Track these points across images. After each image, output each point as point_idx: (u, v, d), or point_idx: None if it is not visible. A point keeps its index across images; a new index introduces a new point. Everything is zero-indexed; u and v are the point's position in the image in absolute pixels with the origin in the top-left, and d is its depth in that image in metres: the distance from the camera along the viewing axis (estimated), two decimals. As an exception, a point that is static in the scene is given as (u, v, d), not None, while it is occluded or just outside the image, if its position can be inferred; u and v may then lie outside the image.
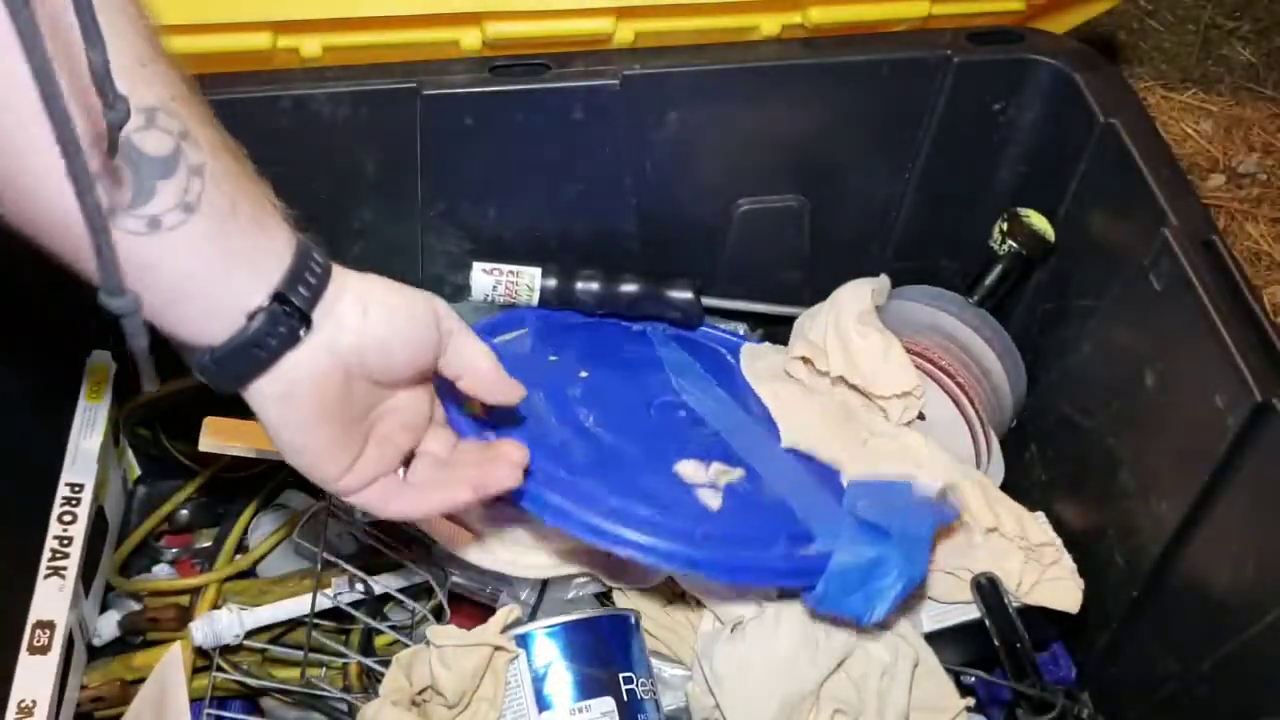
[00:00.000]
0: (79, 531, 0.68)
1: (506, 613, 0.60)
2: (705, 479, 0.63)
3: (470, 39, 0.70)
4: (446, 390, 0.55)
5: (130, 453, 0.83)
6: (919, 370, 0.72)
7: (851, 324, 0.72)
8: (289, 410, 0.47)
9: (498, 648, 0.58)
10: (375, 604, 0.71)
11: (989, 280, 0.77)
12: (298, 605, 0.68)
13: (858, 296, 0.73)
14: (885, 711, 0.61)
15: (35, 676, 0.62)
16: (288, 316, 0.44)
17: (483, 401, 0.54)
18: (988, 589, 0.67)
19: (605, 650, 0.60)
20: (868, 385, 0.71)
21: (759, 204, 0.78)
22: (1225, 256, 0.62)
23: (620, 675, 0.59)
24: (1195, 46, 1.37)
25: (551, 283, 0.74)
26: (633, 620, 0.63)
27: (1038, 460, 0.79)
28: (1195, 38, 1.37)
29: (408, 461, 0.53)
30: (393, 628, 0.70)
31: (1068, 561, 0.71)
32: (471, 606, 0.70)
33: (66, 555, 0.67)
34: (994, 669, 0.67)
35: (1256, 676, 0.60)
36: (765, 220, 0.78)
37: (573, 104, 0.70)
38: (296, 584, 0.71)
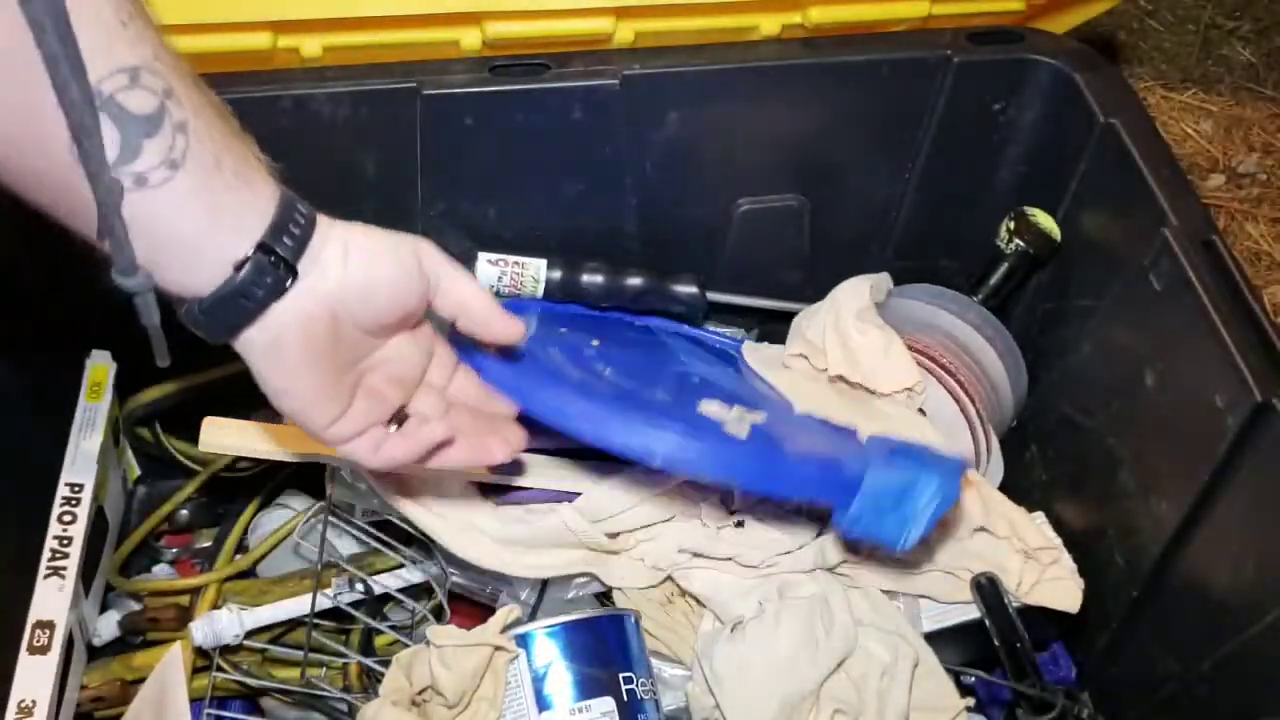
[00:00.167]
0: (79, 531, 0.68)
1: (506, 613, 0.60)
2: (731, 417, 0.62)
3: (470, 39, 0.70)
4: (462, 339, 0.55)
5: (130, 453, 0.83)
6: (920, 369, 0.72)
7: (850, 321, 0.72)
8: (277, 358, 0.47)
9: (498, 648, 0.58)
10: (375, 604, 0.71)
11: (994, 279, 0.77)
12: (298, 605, 0.68)
13: (856, 294, 0.73)
14: (885, 711, 0.61)
15: (35, 676, 0.62)
16: (273, 267, 0.45)
17: (482, 340, 0.54)
18: (988, 589, 0.67)
19: (605, 650, 0.60)
20: (868, 381, 0.71)
21: (759, 204, 0.78)
22: (1225, 256, 0.62)
23: (620, 675, 0.59)
24: (1195, 46, 1.37)
25: (557, 274, 0.74)
26: (633, 620, 0.63)
27: (1038, 460, 0.79)
28: (1195, 38, 1.37)
29: (401, 421, 0.53)
30: (393, 628, 0.70)
31: (1068, 561, 0.71)
32: (471, 606, 0.70)
33: (66, 555, 0.67)
34: (994, 669, 0.67)
35: (1256, 676, 0.60)
36: (765, 220, 0.78)
37: (573, 104, 0.70)
38: (296, 584, 0.71)
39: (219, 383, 0.78)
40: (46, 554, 0.67)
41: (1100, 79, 0.72)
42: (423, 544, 0.67)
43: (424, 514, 0.63)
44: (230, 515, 0.77)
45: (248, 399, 0.79)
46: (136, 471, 0.84)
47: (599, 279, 0.74)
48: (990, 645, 0.66)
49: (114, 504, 0.77)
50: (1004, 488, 0.75)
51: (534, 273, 0.73)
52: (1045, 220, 0.74)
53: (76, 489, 0.70)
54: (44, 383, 0.74)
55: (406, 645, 0.66)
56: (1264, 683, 0.59)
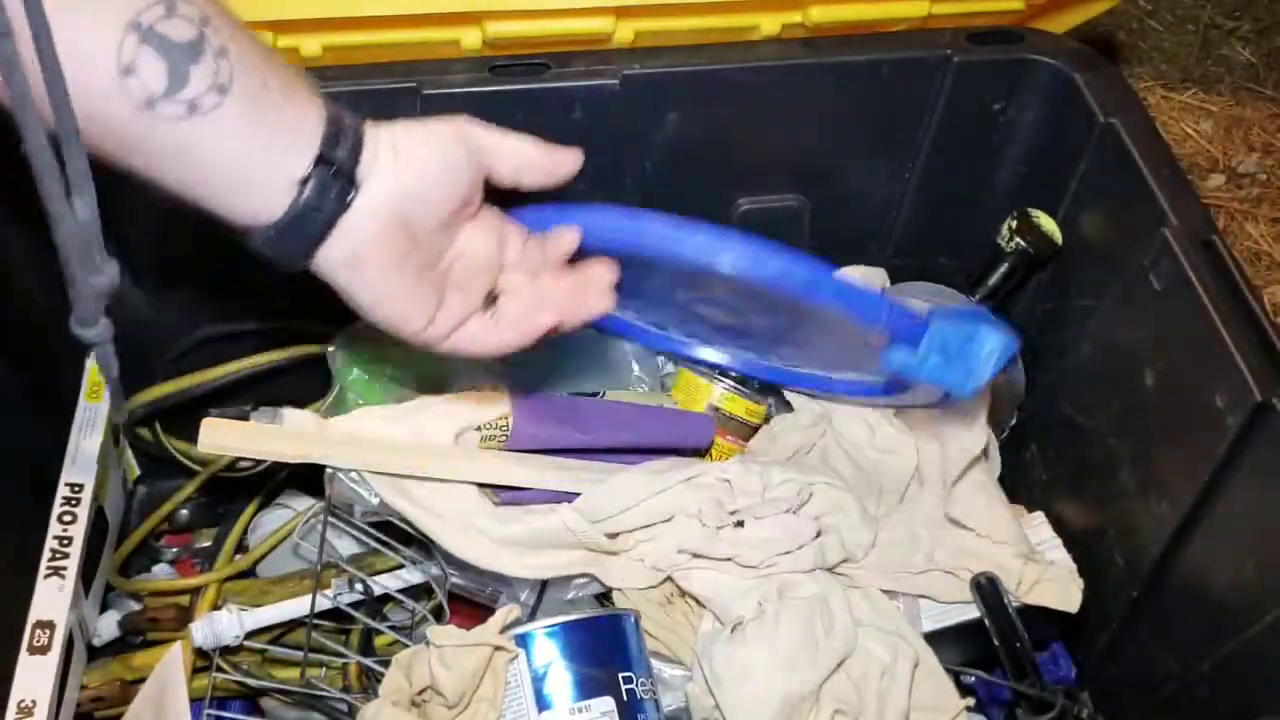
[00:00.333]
0: (79, 531, 0.68)
1: (506, 613, 0.60)
2: None
3: (470, 38, 0.70)
4: None
5: (130, 453, 0.83)
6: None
7: None
8: (359, 270, 0.48)
9: (497, 648, 0.58)
10: (375, 604, 0.71)
11: (994, 279, 0.77)
12: (298, 606, 0.68)
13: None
14: (885, 712, 0.61)
15: (35, 676, 0.62)
16: (334, 179, 0.46)
17: (547, 186, 0.55)
18: (988, 589, 0.67)
19: (605, 650, 0.60)
20: None
21: (759, 204, 0.78)
22: (1225, 256, 0.62)
23: (620, 675, 0.59)
24: (1195, 46, 1.37)
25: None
26: (632, 620, 0.63)
27: (1038, 460, 0.79)
28: (1195, 38, 1.37)
29: (493, 301, 0.54)
30: (392, 628, 0.70)
31: (1067, 561, 0.71)
32: (471, 607, 0.70)
33: (66, 555, 0.67)
34: (994, 669, 0.67)
35: (1256, 676, 0.60)
36: (765, 220, 0.78)
37: (573, 104, 0.70)
38: (296, 584, 0.71)
39: (219, 383, 0.78)
40: (46, 554, 0.67)
41: (1100, 79, 0.72)
42: (422, 544, 0.67)
43: (423, 514, 0.63)
44: (230, 515, 0.77)
45: (248, 399, 0.80)
46: (136, 471, 0.84)
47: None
48: (990, 645, 0.66)
49: (114, 504, 0.77)
50: (1004, 487, 0.75)
51: None
52: (1048, 222, 0.74)
53: (76, 489, 0.70)
54: (44, 383, 0.74)
55: (406, 645, 0.66)
56: (1264, 683, 0.59)
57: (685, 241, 0.54)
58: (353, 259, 0.48)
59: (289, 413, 0.64)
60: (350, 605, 0.68)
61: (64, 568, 0.66)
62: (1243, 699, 0.61)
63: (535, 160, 0.54)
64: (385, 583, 0.69)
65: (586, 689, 0.58)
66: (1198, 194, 0.66)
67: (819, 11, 0.73)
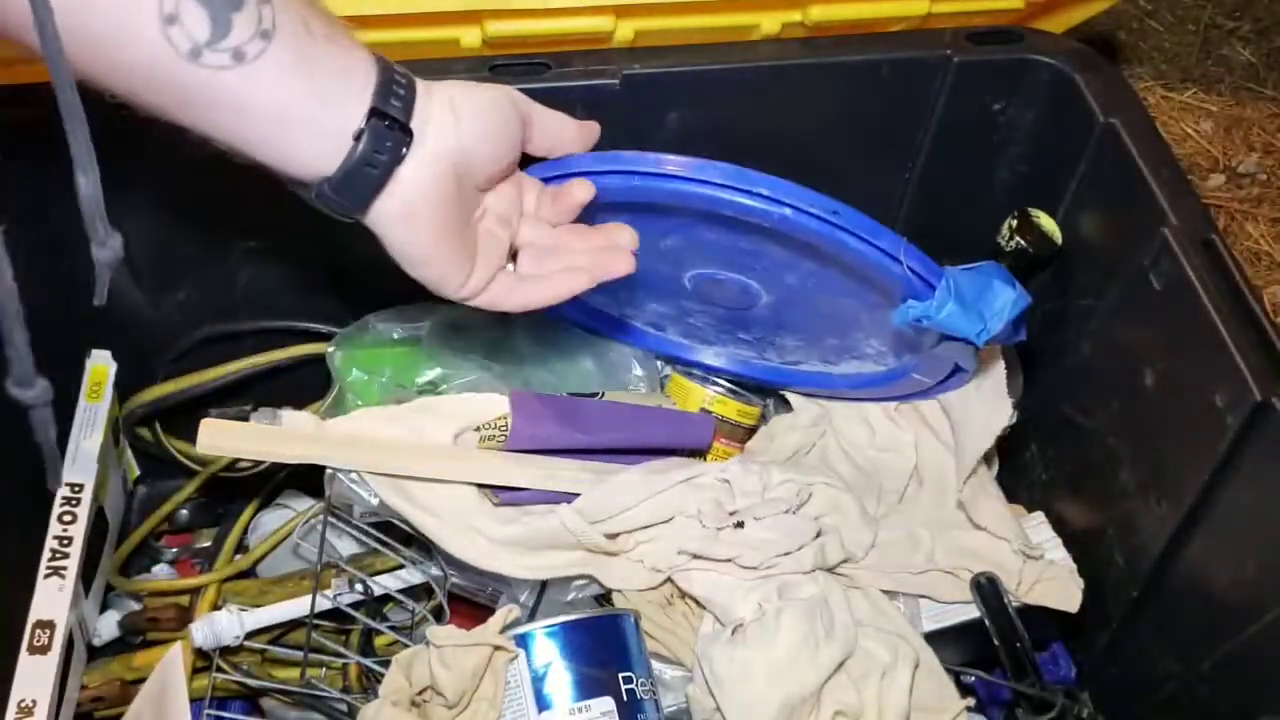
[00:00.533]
0: (79, 531, 0.68)
1: (506, 613, 0.60)
2: None
3: (470, 37, 0.70)
4: None
5: (130, 453, 0.83)
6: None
7: None
8: (412, 225, 0.49)
9: (497, 648, 0.58)
10: (375, 604, 0.71)
11: None
12: (297, 606, 0.68)
13: None
14: (885, 712, 0.61)
15: (35, 676, 0.62)
16: (390, 130, 0.46)
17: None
18: (988, 589, 0.67)
19: (605, 650, 0.60)
20: None
21: (759, 204, 0.78)
22: (1225, 256, 0.62)
23: (620, 675, 0.59)
24: (1195, 46, 1.37)
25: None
26: (632, 620, 0.63)
27: (1038, 460, 0.79)
28: (1195, 37, 1.37)
29: (513, 258, 0.55)
30: (392, 628, 0.70)
31: (1067, 561, 0.71)
32: (471, 607, 0.70)
33: (66, 555, 0.67)
34: (994, 669, 0.67)
35: (1256, 676, 0.60)
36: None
37: (573, 104, 0.69)
38: (296, 585, 0.71)
39: (219, 383, 0.78)
40: (46, 554, 0.67)
41: (1100, 79, 0.72)
42: (422, 544, 0.67)
43: (423, 515, 0.63)
44: (230, 515, 0.77)
45: (247, 399, 0.80)
46: (136, 471, 0.84)
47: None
48: (990, 645, 0.66)
49: (114, 504, 0.77)
50: (1004, 487, 0.75)
51: None
52: (1048, 222, 0.74)
53: (76, 489, 0.70)
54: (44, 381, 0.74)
55: (406, 645, 0.66)
56: (1264, 683, 0.59)
57: (705, 176, 0.55)
58: (407, 213, 0.48)
59: (288, 414, 0.64)
60: (350, 605, 0.68)
61: (64, 568, 0.66)
62: (1243, 699, 0.61)
63: (571, 135, 0.56)
64: (385, 583, 0.69)
65: (586, 689, 0.58)
66: (1198, 194, 0.66)
67: (819, 11, 0.73)
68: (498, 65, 0.69)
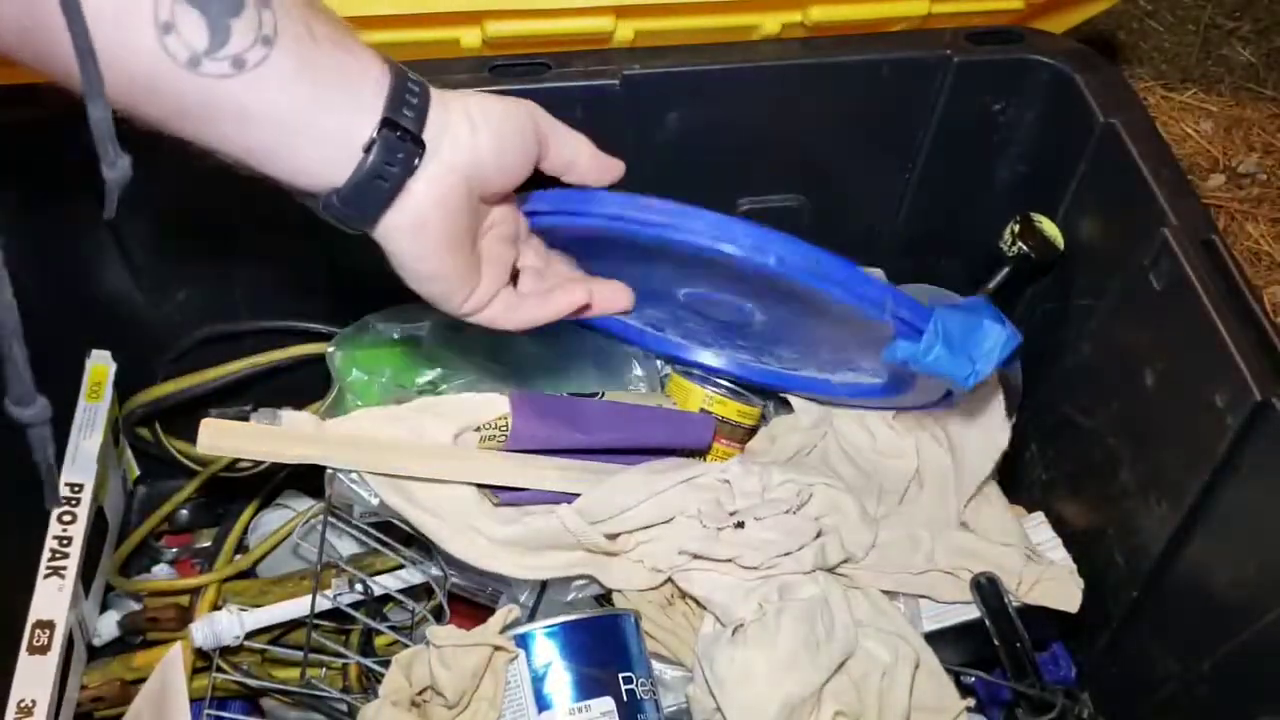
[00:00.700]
0: (79, 531, 0.68)
1: (506, 613, 0.60)
2: None
3: (470, 38, 0.70)
4: None
5: (130, 453, 0.83)
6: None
7: None
8: (423, 240, 0.47)
9: (497, 648, 0.58)
10: (375, 604, 0.71)
11: (994, 283, 0.77)
12: (297, 606, 0.68)
13: None
14: (886, 712, 0.61)
15: (35, 676, 0.62)
16: (401, 142, 0.45)
17: (589, 185, 0.55)
18: (988, 589, 0.67)
19: (605, 650, 0.60)
20: None
21: (759, 204, 0.78)
22: (1225, 256, 0.62)
23: (620, 675, 0.59)
24: (1195, 46, 1.37)
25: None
26: (632, 620, 0.63)
27: (1038, 460, 0.79)
28: (1195, 38, 1.37)
29: (514, 278, 0.54)
30: (392, 628, 0.70)
31: (1067, 561, 0.71)
32: (471, 607, 0.70)
33: (66, 555, 0.67)
34: (994, 669, 0.67)
35: (1256, 676, 0.60)
36: (765, 220, 0.77)
37: (573, 104, 0.70)
38: (296, 584, 0.71)
39: (219, 383, 0.78)
40: (46, 554, 0.67)
41: (1100, 79, 0.72)
42: (422, 545, 0.67)
43: (423, 515, 0.63)
44: (230, 515, 0.77)
45: (247, 399, 0.80)
46: (136, 471, 0.84)
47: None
48: (990, 645, 0.66)
49: (114, 504, 0.77)
50: (1004, 488, 0.75)
51: None
52: (1050, 227, 0.74)
53: (76, 489, 0.70)
54: (44, 383, 0.74)
55: (406, 646, 0.66)
56: (1264, 683, 0.59)
57: (688, 227, 0.54)
58: (417, 227, 0.47)
59: (288, 414, 0.64)
60: (350, 605, 0.68)
61: (64, 568, 0.66)
62: (1243, 699, 0.61)
63: (587, 161, 0.54)
64: (385, 583, 0.69)
65: (586, 689, 0.58)
66: (1198, 194, 0.66)
67: (819, 11, 0.73)
68: (498, 65, 0.69)
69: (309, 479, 0.70)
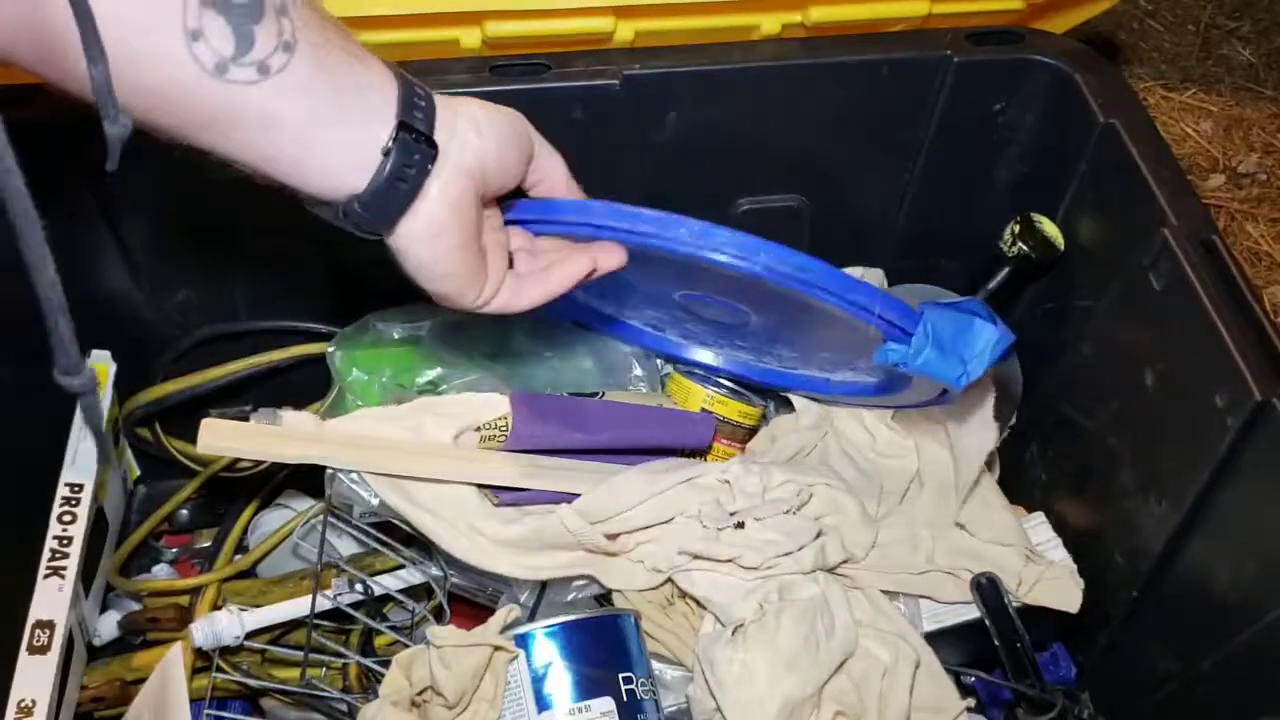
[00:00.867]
0: (79, 531, 0.68)
1: (506, 613, 0.60)
2: None
3: (470, 38, 0.70)
4: None
5: (130, 453, 0.83)
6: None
7: None
8: (439, 242, 0.48)
9: (497, 648, 0.58)
10: (375, 604, 0.71)
11: (994, 283, 0.77)
12: (298, 606, 0.68)
13: None
14: (886, 712, 0.61)
15: (35, 676, 0.62)
16: (416, 143, 0.46)
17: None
18: (988, 589, 0.67)
19: (605, 650, 0.60)
20: None
21: (759, 204, 0.78)
22: (1225, 256, 0.62)
23: (620, 675, 0.59)
24: (1195, 47, 1.37)
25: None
26: (633, 620, 0.63)
27: (1038, 460, 0.79)
28: (1195, 38, 1.37)
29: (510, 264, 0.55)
30: (393, 628, 0.70)
31: (1067, 561, 0.71)
32: (471, 607, 0.70)
33: (66, 555, 0.67)
34: (994, 669, 0.67)
35: (1256, 676, 0.60)
36: (765, 220, 0.78)
37: (573, 104, 0.70)
38: (296, 585, 0.71)
39: (219, 383, 0.78)
40: (46, 554, 0.67)
41: (1100, 79, 0.72)
42: (422, 545, 0.67)
43: (423, 515, 0.63)
44: (230, 515, 0.77)
45: (247, 399, 0.80)
46: (136, 471, 0.84)
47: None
48: (990, 645, 0.66)
49: (114, 504, 0.77)
50: (1004, 488, 0.75)
51: None
52: (1050, 227, 0.74)
53: (76, 489, 0.70)
54: (44, 383, 0.74)
55: (406, 645, 0.66)
56: (1264, 683, 0.59)
57: (674, 235, 0.54)
58: (434, 229, 0.48)
59: (289, 413, 0.64)
60: (350, 605, 0.68)
61: (63, 568, 0.66)
62: (1243, 699, 0.61)
63: (561, 179, 0.56)
64: (385, 583, 0.69)
65: (586, 689, 0.58)
66: (1198, 194, 0.66)
67: (819, 11, 0.73)
68: (498, 66, 0.69)
69: (309, 479, 0.70)
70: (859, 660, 0.62)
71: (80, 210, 0.69)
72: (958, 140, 0.76)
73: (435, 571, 0.68)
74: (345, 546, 0.71)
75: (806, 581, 0.64)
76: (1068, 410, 0.75)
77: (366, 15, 0.68)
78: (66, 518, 0.68)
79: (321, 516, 0.67)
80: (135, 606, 0.73)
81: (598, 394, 0.74)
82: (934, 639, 0.66)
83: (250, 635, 0.67)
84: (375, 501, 0.64)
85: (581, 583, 0.66)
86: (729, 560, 0.64)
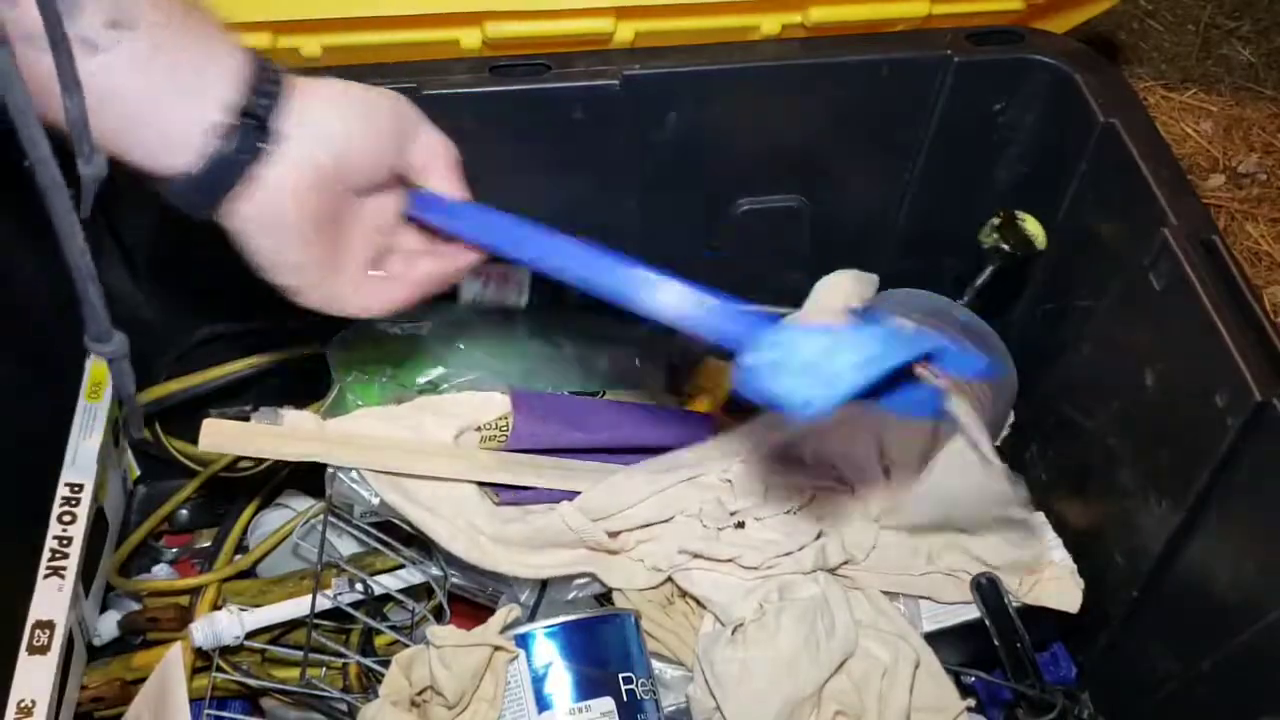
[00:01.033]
0: (79, 531, 0.68)
1: (506, 612, 0.60)
2: None
3: (470, 38, 0.70)
4: None
5: (130, 453, 0.83)
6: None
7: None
8: (278, 234, 0.47)
9: (497, 648, 0.58)
10: (375, 604, 0.71)
11: (980, 280, 0.77)
12: (298, 606, 0.68)
13: (837, 290, 0.72)
14: (886, 713, 0.61)
15: (34, 676, 0.62)
16: (253, 130, 0.44)
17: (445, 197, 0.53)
18: (988, 589, 0.67)
19: (605, 650, 0.60)
20: None
21: (759, 204, 0.78)
22: (1225, 256, 0.62)
23: (620, 675, 0.59)
24: (1195, 46, 1.37)
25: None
26: (633, 620, 0.63)
27: (1038, 460, 0.79)
28: (1195, 38, 1.37)
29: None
30: (393, 628, 0.70)
31: (1067, 561, 0.71)
32: (471, 607, 0.70)
33: (66, 555, 0.67)
34: (994, 669, 0.67)
35: (1257, 676, 0.60)
36: (765, 220, 0.78)
37: (573, 104, 0.70)
38: (296, 584, 0.71)
39: (219, 383, 0.78)
40: (46, 554, 0.67)
41: (1100, 79, 0.72)
42: (423, 544, 0.67)
43: (423, 514, 0.63)
44: (230, 515, 0.77)
45: (247, 399, 0.80)
46: (136, 471, 0.84)
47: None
48: (990, 645, 0.66)
49: (114, 504, 0.77)
50: (1004, 488, 0.75)
51: (520, 279, 0.73)
52: (1032, 224, 0.74)
53: (76, 489, 0.70)
54: (44, 383, 0.74)
55: (406, 645, 0.66)
56: (1264, 683, 0.59)
57: (525, 251, 0.54)
58: (272, 218, 0.46)
59: (289, 413, 0.64)
60: (350, 605, 0.68)
61: (63, 568, 0.66)
62: (1243, 699, 0.61)
63: (444, 171, 0.53)
64: (385, 583, 0.69)
65: (586, 689, 0.58)
66: (1198, 194, 0.66)
67: (819, 12, 0.73)
68: (498, 66, 0.69)
69: (309, 479, 0.70)
70: (859, 660, 0.62)
71: (70, 132, 0.69)
72: (958, 140, 0.76)
73: (435, 571, 0.68)
74: (345, 546, 0.71)
75: (807, 581, 0.64)
76: (1068, 410, 0.75)
77: (367, 16, 0.68)
78: (66, 518, 0.68)
79: (321, 516, 0.67)
80: (135, 606, 0.73)
81: (599, 393, 0.74)
82: (934, 639, 0.66)
83: (250, 635, 0.67)
84: (375, 501, 0.64)
85: (582, 581, 0.66)
86: (729, 560, 0.64)
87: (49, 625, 0.64)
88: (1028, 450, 0.79)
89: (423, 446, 0.64)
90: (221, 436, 0.62)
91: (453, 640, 0.58)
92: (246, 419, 0.64)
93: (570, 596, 0.67)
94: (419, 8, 0.68)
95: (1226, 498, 0.60)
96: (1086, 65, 0.72)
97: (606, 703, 0.58)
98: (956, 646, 0.69)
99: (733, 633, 0.62)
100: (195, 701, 0.66)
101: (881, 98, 0.74)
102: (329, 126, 0.47)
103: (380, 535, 0.67)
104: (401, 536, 0.67)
